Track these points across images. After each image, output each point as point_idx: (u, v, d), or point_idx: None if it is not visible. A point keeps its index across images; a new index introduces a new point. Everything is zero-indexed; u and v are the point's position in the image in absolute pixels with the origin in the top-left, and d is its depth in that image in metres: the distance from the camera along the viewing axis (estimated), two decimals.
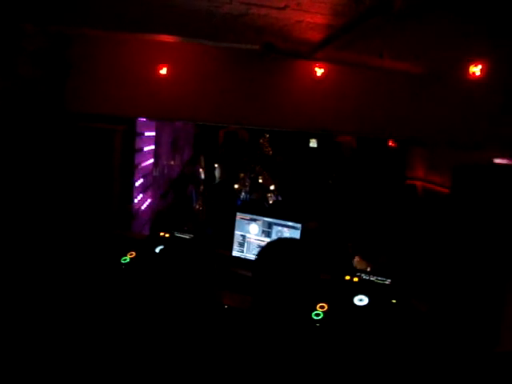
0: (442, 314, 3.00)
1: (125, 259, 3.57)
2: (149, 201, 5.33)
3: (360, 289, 3.09)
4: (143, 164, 4.90)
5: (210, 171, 6.21)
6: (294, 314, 2.15)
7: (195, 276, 3.31)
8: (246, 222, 3.71)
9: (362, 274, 3.18)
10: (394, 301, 2.96)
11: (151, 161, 5.34)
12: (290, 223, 3.58)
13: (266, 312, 2.12)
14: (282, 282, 2.02)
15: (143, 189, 4.99)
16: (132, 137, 4.33)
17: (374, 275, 3.15)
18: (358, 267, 3.82)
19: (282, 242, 2.19)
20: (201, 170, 6.21)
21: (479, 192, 3.16)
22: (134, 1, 2.90)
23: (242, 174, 6.29)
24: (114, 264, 3.55)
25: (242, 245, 3.72)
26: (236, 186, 6.46)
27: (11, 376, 2.64)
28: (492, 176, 3.14)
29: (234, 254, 3.74)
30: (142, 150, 4.74)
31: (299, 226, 3.54)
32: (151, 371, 2.54)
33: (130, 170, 4.37)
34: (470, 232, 3.15)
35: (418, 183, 5.24)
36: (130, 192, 4.41)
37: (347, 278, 3.18)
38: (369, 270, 3.74)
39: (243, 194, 6.29)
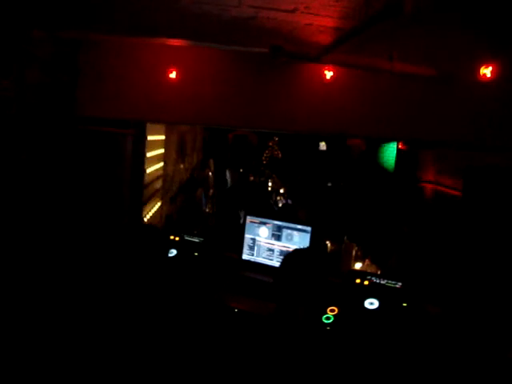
0: (454, 318, 2.97)
1: None
2: (159, 204, 5.35)
3: (370, 292, 3.07)
4: (153, 167, 4.92)
5: (219, 175, 6.22)
6: (308, 317, 2.18)
7: (203, 279, 3.32)
8: (256, 225, 3.71)
9: (373, 278, 3.16)
10: (404, 304, 2.94)
11: (161, 164, 5.36)
12: (299, 226, 3.58)
13: (287, 316, 2.14)
14: (304, 287, 2.18)
15: (153, 192, 5.01)
16: (142, 140, 4.34)
17: (384, 278, 3.13)
18: (368, 270, 3.81)
19: (300, 252, 2.43)
20: (210, 173, 6.23)
21: (491, 194, 3.14)
22: (143, 5, 2.91)
23: (251, 177, 6.30)
24: (126, 267, 3.55)
25: (251, 248, 3.71)
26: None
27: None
28: (504, 178, 3.12)
29: (244, 257, 3.74)
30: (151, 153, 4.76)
31: (309, 228, 3.54)
32: (154, 372, 2.54)
33: (140, 173, 4.38)
34: (483, 234, 3.13)
35: (429, 186, 5.21)
36: (139, 195, 4.42)
37: (358, 281, 3.17)
38: (379, 273, 3.73)
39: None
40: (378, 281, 3.13)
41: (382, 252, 4.20)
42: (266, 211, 5.47)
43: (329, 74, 3.59)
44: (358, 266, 3.99)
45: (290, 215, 5.32)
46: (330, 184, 6.11)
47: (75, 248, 3.69)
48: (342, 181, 6.24)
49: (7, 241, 3.22)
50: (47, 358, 2.78)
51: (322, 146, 8.65)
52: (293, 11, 2.77)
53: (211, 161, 6.50)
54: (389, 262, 4.13)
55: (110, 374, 2.59)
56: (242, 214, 4.96)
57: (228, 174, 5.94)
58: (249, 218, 3.75)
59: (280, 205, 6.69)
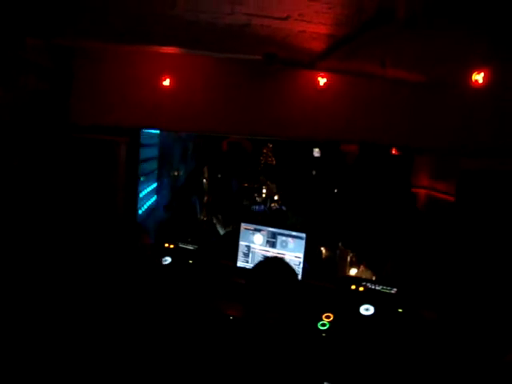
0: (450, 323, 2.97)
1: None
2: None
3: (366, 298, 3.07)
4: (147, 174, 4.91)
5: (214, 182, 6.21)
6: (292, 323, 2.17)
7: (198, 287, 3.31)
8: (251, 232, 3.70)
9: (368, 284, 3.16)
10: (400, 310, 2.94)
11: (155, 171, 5.35)
12: (294, 233, 3.57)
13: (264, 321, 2.13)
14: (271, 293, 2.17)
15: (148, 199, 5.00)
16: (136, 148, 4.34)
17: (379, 284, 3.13)
18: (363, 276, 3.81)
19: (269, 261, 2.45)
20: (205, 180, 6.21)
21: (485, 198, 3.15)
22: (137, 13, 2.91)
23: (245, 184, 6.30)
24: (119, 274, 3.54)
25: (246, 255, 3.70)
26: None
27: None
28: (498, 182, 3.13)
29: (239, 264, 3.73)
30: (146, 160, 4.75)
31: (304, 235, 3.53)
32: (149, 380, 2.52)
33: (135, 181, 4.38)
34: (477, 239, 3.14)
35: (423, 191, 5.23)
36: (134, 203, 4.41)
37: (353, 287, 3.16)
38: (374, 278, 3.73)
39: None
40: (373, 287, 3.13)
41: (378, 258, 4.20)
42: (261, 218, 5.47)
43: (322, 81, 3.60)
44: (352, 271, 3.99)
45: (282, 221, 5.32)
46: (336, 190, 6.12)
47: (68, 254, 3.68)
48: (336, 187, 6.24)
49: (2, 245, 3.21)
50: (42, 356, 2.77)
51: (316, 152, 8.64)
52: (286, 18, 2.78)
53: (205, 168, 6.49)
54: (385, 267, 4.13)
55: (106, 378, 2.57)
56: (217, 225, 4.95)
57: (234, 182, 5.95)
58: (243, 225, 3.75)
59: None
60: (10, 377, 2.66)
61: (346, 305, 3.06)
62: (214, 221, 5.06)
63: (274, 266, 2.28)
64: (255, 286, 2.20)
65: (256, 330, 2.12)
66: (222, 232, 4.95)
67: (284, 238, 3.59)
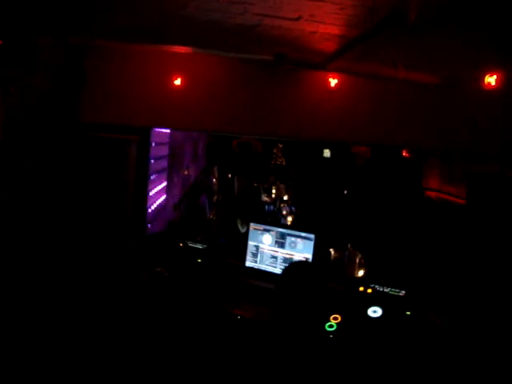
0: (458, 327, 2.95)
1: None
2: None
3: (374, 300, 3.05)
4: (158, 173, 4.92)
5: (223, 182, 6.21)
6: (309, 325, 2.17)
7: (206, 286, 3.31)
8: (260, 232, 3.70)
9: (376, 286, 3.15)
10: (408, 312, 2.93)
11: (165, 170, 5.37)
12: (303, 234, 3.56)
13: (283, 323, 2.13)
14: (301, 297, 2.18)
15: (157, 198, 5.02)
16: (146, 147, 4.35)
17: (387, 286, 3.12)
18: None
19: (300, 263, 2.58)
20: (214, 180, 6.22)
21: (495, 201, 3.12)
22: (148, 12, 2.92)
23: (255, 184, 6.29)
24: (128, 273, 3.55)
25: (255, 255, 3.70)
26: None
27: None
28: (507, 185, 3.11)
29: (247, 264, 3.73)
30: (156, 159, 4.76)
31: (312, 236, 3.52)
32: (155, 380, 2.53)
33: (144, 180, 4.39)
34: (487, 242, 3.12)
35: (433, 194, 5.20)
36: (144, 201, 4.42)
37: (361, 289, 3.15)
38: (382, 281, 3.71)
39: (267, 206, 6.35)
40: (381, 289, 3.12)
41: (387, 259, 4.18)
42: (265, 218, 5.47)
43: (333, 82, 3.60)
44: (361, 273, 3.97)
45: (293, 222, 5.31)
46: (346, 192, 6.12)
47: (77, 251, 3.70)
48: (346, 188, 6.24)
49: (15, 240, 3.24)
50: (46, 356, 2.78)
51: (326, 153, 8.63)
52: (297, 19, 2.77)
53: (215, 167, 6.50)
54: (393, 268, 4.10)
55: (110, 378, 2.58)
56: (239, 223, 4.94)
57: (236, 181, 5.94)
58: (252, 225, 3.74)
59: (284, 212, 6.70)
60: (10, 376, 2.67)
61: (354, 306, 3.05)
62: (238, 220, 5.06)
63: (302, 269, 2.30)
64: (285, 290, 2.22)
65: (283, 331, 2.12)
66: (242, 230, 4.95)
67: (293, 238, 3.59)
